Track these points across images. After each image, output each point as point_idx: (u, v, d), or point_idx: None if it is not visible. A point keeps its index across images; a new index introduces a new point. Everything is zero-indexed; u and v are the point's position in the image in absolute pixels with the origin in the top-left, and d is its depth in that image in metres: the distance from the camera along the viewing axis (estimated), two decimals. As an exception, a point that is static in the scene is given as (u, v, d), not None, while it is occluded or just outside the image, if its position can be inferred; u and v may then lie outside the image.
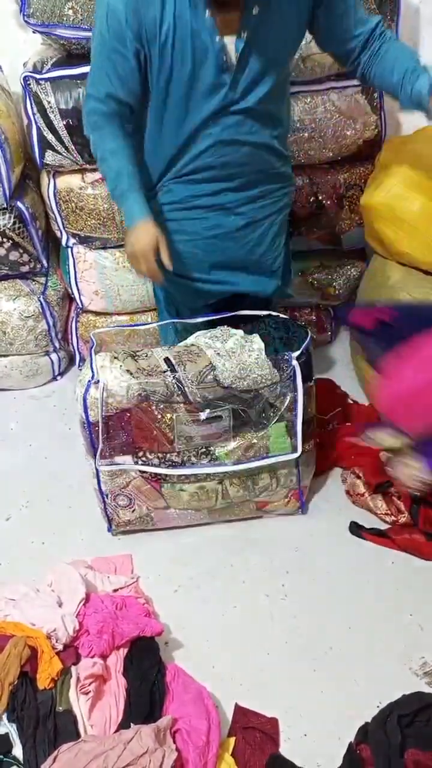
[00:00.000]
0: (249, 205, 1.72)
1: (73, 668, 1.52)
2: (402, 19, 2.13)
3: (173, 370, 1.68)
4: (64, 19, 1.94)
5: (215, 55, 1.47)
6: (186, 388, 1.67)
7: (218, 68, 1.49)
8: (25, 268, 2.31)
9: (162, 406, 1.70)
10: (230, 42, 1.47)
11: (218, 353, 1.70)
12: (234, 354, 1.70)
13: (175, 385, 1.67)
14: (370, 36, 1.59)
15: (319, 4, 1.51)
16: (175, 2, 1.42)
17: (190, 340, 1.78)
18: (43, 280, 2.38)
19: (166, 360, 1.70)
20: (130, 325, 2.30)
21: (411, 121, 2.43)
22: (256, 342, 1.73)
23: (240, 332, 1.77)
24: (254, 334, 1.76)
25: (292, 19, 1.50)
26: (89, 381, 1.69)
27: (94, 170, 2.15)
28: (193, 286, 1.83)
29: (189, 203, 1.71)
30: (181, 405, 1.70)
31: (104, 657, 1.54)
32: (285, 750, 1.47)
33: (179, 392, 1.68)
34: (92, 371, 1.70)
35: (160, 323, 1.99)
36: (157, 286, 1.89)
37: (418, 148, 2.12)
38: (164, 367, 1.69)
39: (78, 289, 2.33)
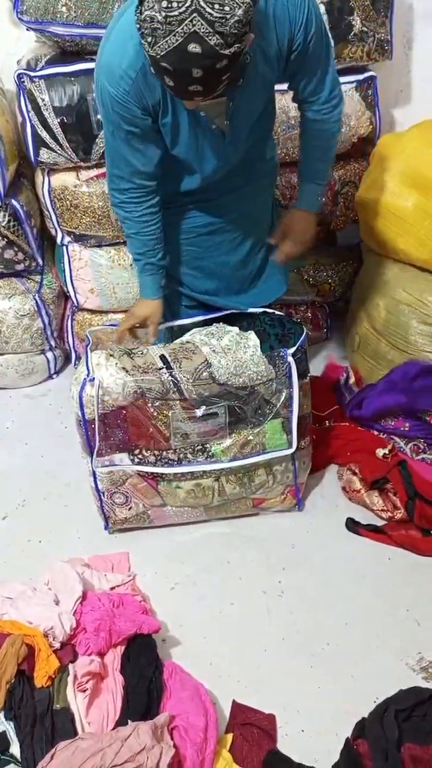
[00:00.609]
0: (241, 200, 1.74)
1: (70, 666, 1.52)
2: (395, 14, 2.13)
3: (168, 367, 1.68)
4: (58, 15, 1.93)
5: (207, 123, 1.50)
6: (182, 385, 1.67)
7: (213, 135, 1.52)
8: (20, 267, 2.30)
9: (158, 404, 1.70)
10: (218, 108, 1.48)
11: (214, 350, 1.70)
12: (229, 351, 1.70)
13: (171, 383, 1.67)
14: (316, 99, 1.60)
15: (288, 60, 1.49)
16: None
17: (186, 337, 1.78)
18: (38, 278, 2.38)
19: (162, 357, 1.70)
20: (126, 323, 2.30)
21: (405, 118, 2.44)
22: (252, 339, 1.73)
23: (235, 329, 1.77)
24: (249, 331, 1.76)
25: (272, 69, 1.49)
26: (85, 378, 1.69)
27: (89, 168, 2.15)
28: (179, 290, 1.87)
29: (184, 207, 1.73)
30: (177, 402, 1.70)
31: (101, 655, 1.54)
32: (283, 746, 1.47)
33: (175, 389, 1.68)
34: (88, 369, 1.70)
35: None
36: None
37: (413, 144, 2.12)
38: (160, 364, 1.69)
39: (73, 288, 2.33)
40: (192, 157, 1.57)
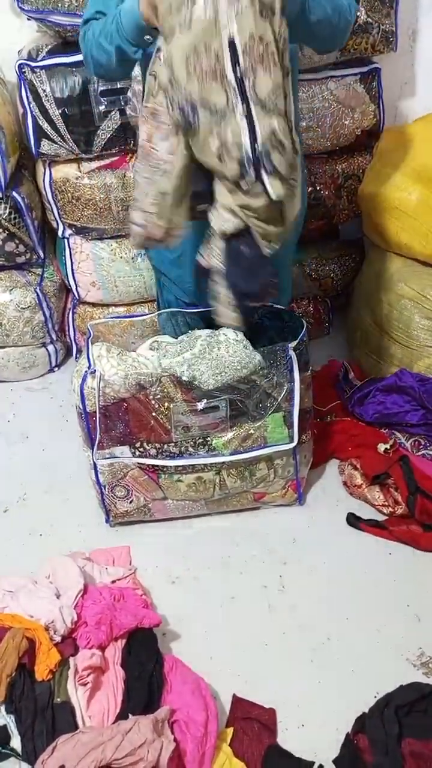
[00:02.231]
0: None
1: (71, 660, 1.52)
2: (401, 6, 2.12)
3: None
4: (60, 5, 1.91)
5: None
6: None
7: None
8: (21, 259, 2.29)
9: (159, 396, 1.70)
10: None
11: (189, 364, 1.68)
12: (203, 356, 1.68)
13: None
14: None
15: None
16: None
17: (159, 369, 1.70)
18: (39, 271, 2.37)
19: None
20: (128, 316, 2.29)
21: (410, 111, 2.43)
22: (222, 334, 1.70)
23: (206, 332, 1.74)
24: (221, 328, 1.71)
25: None
26: (86, 371, 1.68)
27: (91, 160, 2.14)
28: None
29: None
30: (179, 395, 1.70)
31: (102, 648, 1.54)
32: (283, 740, 1.48)
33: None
34: (89, 361, 1.70)
35: (159, 312, 1.98)
36: (158, 270, 1.87)
37: (417, 137, 2.11)
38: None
39: (74, 281, 2.32)
40: None
